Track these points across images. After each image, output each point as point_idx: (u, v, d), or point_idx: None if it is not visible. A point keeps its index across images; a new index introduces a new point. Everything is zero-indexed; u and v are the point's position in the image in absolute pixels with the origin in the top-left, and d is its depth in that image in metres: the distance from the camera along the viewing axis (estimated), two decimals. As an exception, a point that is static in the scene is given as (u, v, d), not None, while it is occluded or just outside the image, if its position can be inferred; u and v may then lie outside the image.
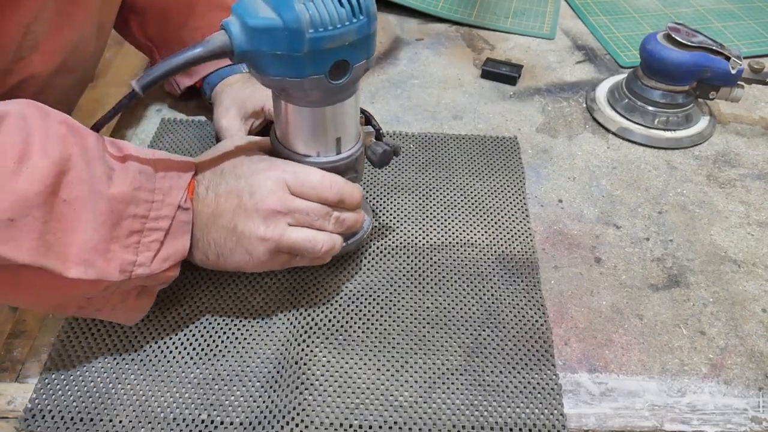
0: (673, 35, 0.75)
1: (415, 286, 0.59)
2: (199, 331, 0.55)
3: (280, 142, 0.53)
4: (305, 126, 0.50)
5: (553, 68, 0.90)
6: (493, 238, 0.64)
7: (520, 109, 0.82)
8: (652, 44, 0.76)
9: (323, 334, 0.54)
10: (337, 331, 0.55)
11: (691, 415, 0.51)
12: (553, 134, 0.78)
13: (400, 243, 0.63)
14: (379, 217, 0.65)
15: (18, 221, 0.40)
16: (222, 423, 0.48)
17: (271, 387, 0.51)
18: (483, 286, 0.59)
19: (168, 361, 0.52)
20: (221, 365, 0.52)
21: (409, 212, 0.66)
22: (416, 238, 0.63)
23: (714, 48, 0.75)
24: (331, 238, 0.51)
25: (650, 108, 0.78)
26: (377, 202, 0.67)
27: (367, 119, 0.57)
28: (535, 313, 0.57)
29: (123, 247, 0.45)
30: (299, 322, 0.55)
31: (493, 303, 0.58)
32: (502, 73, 0.86)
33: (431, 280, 0.59)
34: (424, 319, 0.56)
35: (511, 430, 0.48)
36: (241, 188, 0.49)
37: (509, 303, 0.58)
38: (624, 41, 0.96)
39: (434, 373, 0.52)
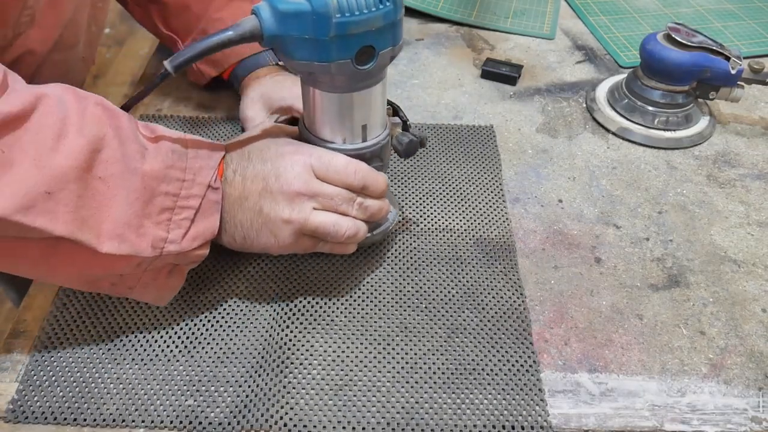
0: (673, 35, 0.75)
1: (396, 271, 0.60)
2: (183, 320, 0.55)
3: (308, 129, 0.54)
4: (332, 112, 0.51)
5: (553, 68, 0.90)
6: (471, 224, 0.65)
7: (520, 109, 0.82)
8: (652, 44, 0.76)
9: (306, 319, 0.55)
10: (320, 316, 0.56)
11: (691, 415, 0.51)
12: (553, 134, 0.78)
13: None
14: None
15: (55, 194, 0.42)
16: (209, 407, 0.49)
17: (255, 371, 0.52)
18: (462, 270, 0.60)
19: (153, 350, 0.53)
20: (206, 352, 0.53)
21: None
22: (396, 224, 0.64)
23: (714, 48, 0.75)
24: (354, 224, 0.52)
25: (650, 108, 0.78)
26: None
27: (394, 110, 0.58)
28: (513, 294, 0.58)
29: (155, 223, 0.47)
30: (282, 309, 0.56)
31: (471, 286, 0.59)
32: (502, 73, 0.86)
33: (411, 265, 0.61)
34: (405, 302, 0.57)
35: (491, 404, 0.50)
36: (267, 171, 0.50)
37: (487, 285, 0.59)
38: (624, 41, 0.96)
39: (415, 354, 0.53)
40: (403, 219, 0.65)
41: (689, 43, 0.74)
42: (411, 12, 1.00)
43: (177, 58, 0.45)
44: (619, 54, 0.93)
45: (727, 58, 0.75)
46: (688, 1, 1.06)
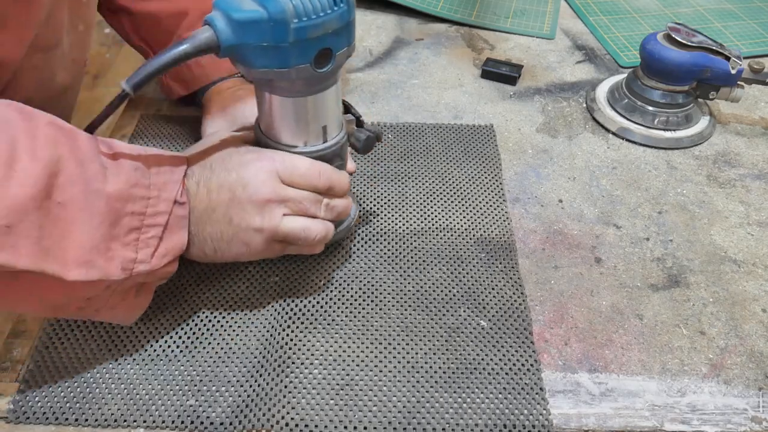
0: (673, 35, 0.75)
1: (397, 271, 0.60)
2: (185, 320, 0.55)
3: (266, 135, 0.53)
4: (291, 116, 0.51)
5: (553, 68, 0.90)
6: (472, 223, 0.65)
7: (520, 109, 0.82)
8: (652, 44, 0.76)
9: (307, 319, 0.55)
10: (321, 316, 0.56)
11: (691, 415, 0.51)
12: (553, 134, 0.78)
13: (381, 230, 0.64)
14: (361, 205, 0.67)
15: (14, 227, 0.39)
16: (210, 407, 0.49)
17: (257, 371, 0.52)
18: (462, 269, 0.60)
19: (155, 350, 0.53)
20: (207, 352, 0.53)
21: (389, 200, 0.68)
22: (397, 224, 0.65)
23: (714, 48, 0.75)
24: (324, 225, 0.52)
25: (650, 108, 0.78)
26: (358, 191, 0.69)
27: (346, 108, 0.58)
28: (514, 293, 0.58)
29: (123, 245, 0.45)
30: (283, 309, 0.56)
31: (472, 285, 0.59)
32: (502, 73, 0.86)
33: (412, 264, 0.61)
34: (405, 302, 0.57)
35: (492, 403, 0.50)
36: (233, 181, 0.49)
37: (488, 284, 0.59)
38: (624, 41, 0.96)
39: (417, 354, 0.53)
40: (362, 213, 0.66)
41: (689, 43, 0.74)
42: (411, 12, 1.00)
43: (135, 77, 0.44)
44: (619, 54, 0.93)
45: (727, 58, 0.75)
46: (688, 1, 1.06)
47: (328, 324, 0.55)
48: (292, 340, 0.54)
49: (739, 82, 0.76)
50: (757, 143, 0.78)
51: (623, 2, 1.06)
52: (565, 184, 0.71)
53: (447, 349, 0.54)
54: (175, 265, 0.50)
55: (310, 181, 0.51)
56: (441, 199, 0.68)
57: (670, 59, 0.75)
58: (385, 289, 0.58)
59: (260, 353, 0.53)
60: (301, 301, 0.57)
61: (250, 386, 0.51)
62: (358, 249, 0.62)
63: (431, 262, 0.61)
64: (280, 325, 0.55)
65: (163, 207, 0.47)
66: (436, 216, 0.66)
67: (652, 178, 0.72)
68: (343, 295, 0.58)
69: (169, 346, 0.53)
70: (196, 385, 0.51)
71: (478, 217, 0.66)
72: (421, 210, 0.67)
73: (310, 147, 0.53)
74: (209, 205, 0.49)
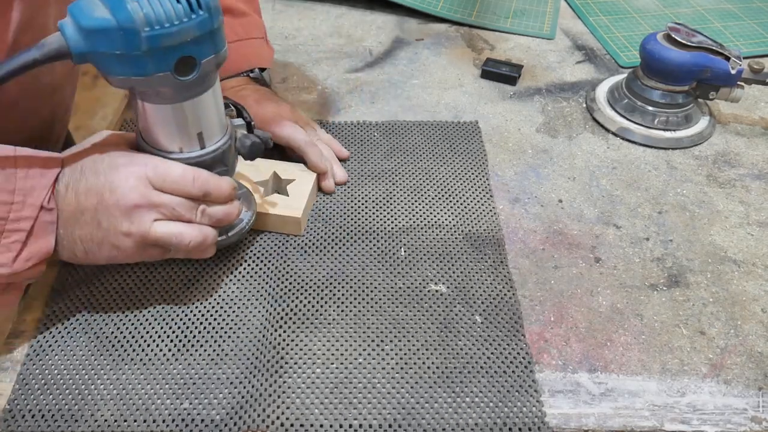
0: (673, 35, 0.75)
1: (387, 269, 0.60)
2: (176, 323, 0.55)
3: (143, 139, 0.52)
4: (162, 123, 0.50)
5: (553, 68, 0.90)
6: (460, 219, 0.65)
7: (520, 109, 0.82)
8: (652, 44, 0.76)
9: (299, 318, 0.56)
10: (312, 315, 0.56)
11: (691, 415, 0.51)
12: (553, 134, 0.78)
13: (370, 228, 0.64)
14: (349, 203, 0.67)
15: None
16: (204, 409, 0.49)
17: (250, 372, 0.51)
18: (452, 265, 0.61)
19: (146, 354, 0.53)
20: (200, 355, 0.53)
21: (377, 198, 0.68)
22: (385, 222, 0.65)
23: (714, 48, 0.75)
24: (200, 231, 0.51)
25: (650, 108, 0.78)
26: (346, 189, 0.69)
27: (238, 112, 0.57)
28: (503, 287, 0.59)
29: None
30: (275, 309, 0.56)
31: (462, 280, 0.59)
32: (502, 73, 0.86)
33: (402, 261, 0.61)
34: (396, 299, 0.58)
35: (485, 396, 0.50)
36: (101, 185, 0.48)
37: (478, 279, 0.59)
38: (624, 41, 0.96)
39: (409, 350, 0.54)
40: (349, 212, 0.65)
41: (689, 43, 0.74)
42: (411, 12, 1.00)
43: None
44: (619, 54, 0.93)
45: (727, 58, 0.75)
46: (688, 1, 1.06)
47: (320, 323, 0.55)
48: (284, 340, 0.54)
49: (739, 82, 0.76)
50: (757, 143, 0.78)
51: (623, 2, 1.06)
52: (565, 184, 0.71)
53: (440, 345, 0.54)
54: (42, 267, 0.49)
55: (183, 187, 0.50)
56: (428, 195, 0.68)
57: (670, 59, 0.75)
58: (375, 287, 0.58)
59: (253, 354, 0.53)
60: (293, 301, 0.57)
61: (244, 387, 0.50)
62: (347, 247, 0.62)
63: (420, 258, 0.61)
64: (272, 326, 0.55)
65: (28, 212, 0.46)
66: (423, 213, 0.66)
67: (652, 178, 0.72)
68: (334, 294, 0.58)
69: (161, 350, 0.53)
70: (189, 388, 0.50)
71: (466, 213, 0.66)
72: (408, 207, 0.67)
73: (186, 153, 0.52)
74: (77, 208, 0.49)
